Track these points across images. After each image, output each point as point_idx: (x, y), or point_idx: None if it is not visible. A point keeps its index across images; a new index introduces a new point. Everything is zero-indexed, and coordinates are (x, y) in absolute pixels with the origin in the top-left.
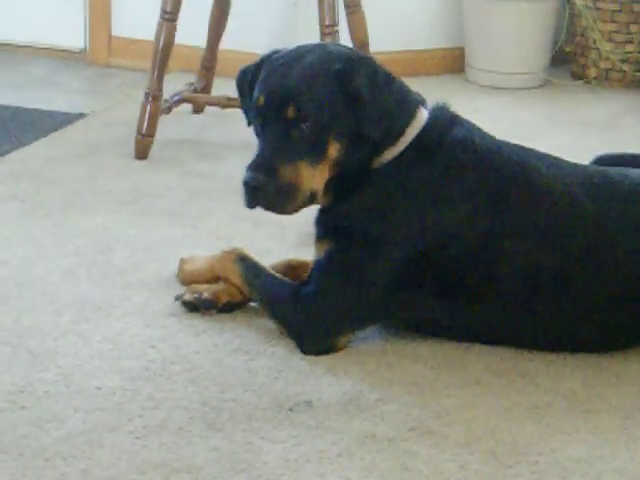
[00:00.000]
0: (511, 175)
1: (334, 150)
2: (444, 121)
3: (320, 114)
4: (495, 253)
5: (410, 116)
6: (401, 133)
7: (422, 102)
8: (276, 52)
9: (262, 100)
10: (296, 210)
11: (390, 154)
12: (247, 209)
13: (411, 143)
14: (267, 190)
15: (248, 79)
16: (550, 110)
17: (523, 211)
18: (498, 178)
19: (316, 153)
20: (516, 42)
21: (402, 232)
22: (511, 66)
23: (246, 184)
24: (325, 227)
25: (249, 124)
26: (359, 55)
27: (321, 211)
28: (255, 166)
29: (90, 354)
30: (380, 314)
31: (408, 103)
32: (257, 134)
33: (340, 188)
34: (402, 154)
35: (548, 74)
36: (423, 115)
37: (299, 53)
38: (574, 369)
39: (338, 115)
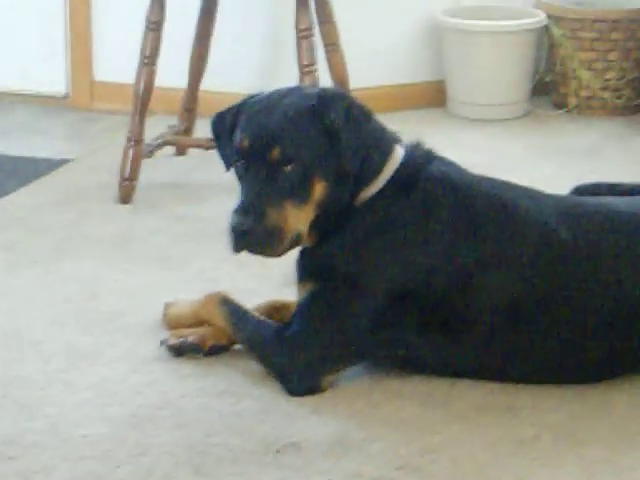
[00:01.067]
0: (487, 209)
1: (319, 190)
2: (420, 158)
3: (304, 155)
4: (474, 287)
5: (387, 153)
6: (379, 170)
7: (397, 140)
8: (252, 97)
9: (245, 143)
10: (282, 253)
11: (369, 191)
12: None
13: (389, 181)
14: (255, 234)
15: (226, 124)
16: (532, 140)
17: (500, 244)
18: (474, 212)
19: (301, 194)
20: (496, 73)
21: (383, 270)
22: (492, 97)
23: (234, 229)
24: (306, 269)
25: (227, 168)
26: (333, 91)
27: (302, 253)
28: (242, 210)
29: (76, 402)
30: (363, 353)
31: (384, 140)
32: (239, 177)
33: (323, 228)
34: (381, 192)
35: (529, 104)
36: (399, 152)
37: (276, 97)
38: (559, 402)
39: (320, 154)
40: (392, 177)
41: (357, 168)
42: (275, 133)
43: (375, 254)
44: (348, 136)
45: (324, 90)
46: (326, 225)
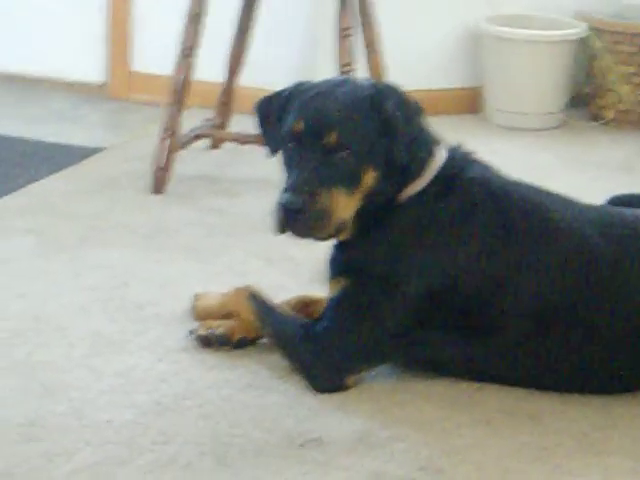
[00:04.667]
0: (524, 213)
1: (369, 179)
2: (461, 160)
3: (359, 142)
4: (506, 291)
5: (431, 152)
6: (423, 169)
7: (439, 140)
8: (302, 84)
9: (300, 126)
10: (326, 238)
11: (412, 189)
12: (262, 245)
13: (431, 180)
14: (304, 214)
15: (275, 108)
16: (567, 151)
17: (533, 249)
18: (512, 216)
19: (352, 182)
20: (534, 83)
21: (419, 271)
22: (528, 107)
23: (283, 206)
24: (340, 265)
25: (272, 153)
26: (387, 84)
27: (336, 248)
28: (293, 189)
29: (102, 388)
30: (392, 353)
31: (429, 139)
32: (287, 160)
33: (363, 221)
34: (423, 191)
35: (565, 115)
36: (441, 153)
37: (331, 85)
38: (584, 411)
39: (374, 143)
40: (434, 177)
41: (407, 160)
42: (333, 118)
43: (413, 254)
44: (402, 127)
45: (378, 82)
46: (367, 219)
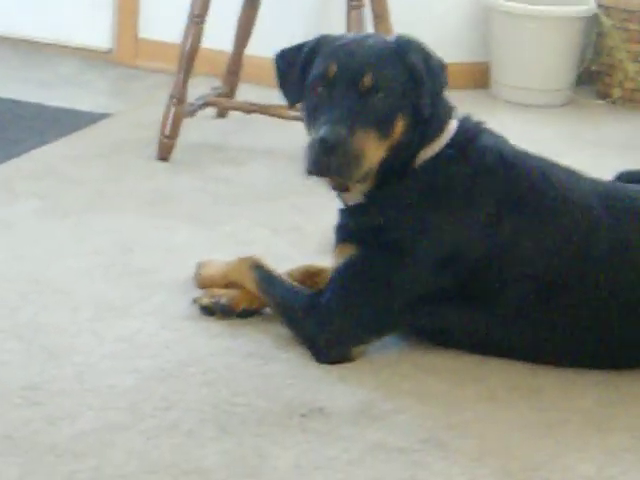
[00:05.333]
0: (531, 182)
1: (400, 126)
2: (474, 128)
3: (393, 87)
4: (510, 257)
5: (449, 114)
6: (442, 129)
7: (453, 107)
8: (325, 36)
9: (334, 69)
10: (357, 180)
11: (427, 153)
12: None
13: (446, 145)
14: (343, 148)
15: (299, 58)
16: (573, 129)
17: (540, 217)
18: (522, 184)
19: (385, 126)
20: (542, 59)
21: (431, 238)
22: (536, 83)
23: (324, 139)
24: (349, 229)
25: (293, 102)
26: (410, 38)
27: (345, 212)
28: (333, 122)
29: (104, 353)
30: (398, 324)
31: (446, 103)
32: (317, 104)
33: (382, 178)
34: (437, 155)
35: (573, 92)
36: (455, 120)
37: (356, 37)
38: (588, 387)
39: (404, 90)
40: (449, 142)
41: (429, 114)
42: (368, 61)
43: (426, 219)
44: (427, 79)
45: (404, 36)
46: (386, 175)
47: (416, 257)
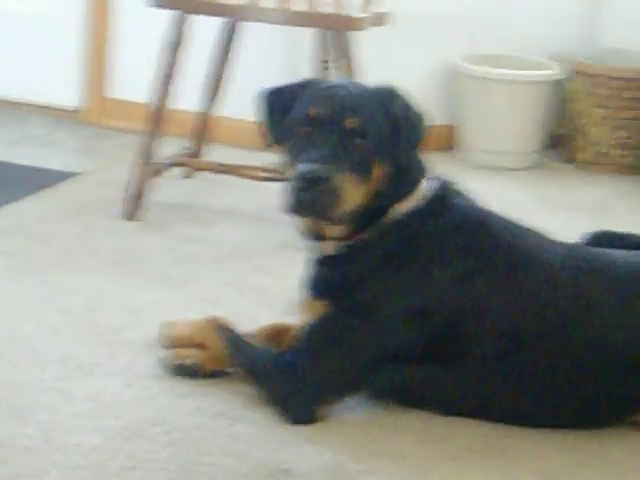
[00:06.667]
0: (502, 242)
1: (379, 172)
2: (446, 186)
3: (375, 132)
4: (482, 315)
5: (422, 174)
6: (413, 188)
7: (427, 167)
8: (311, 80)
9: (317, 110)
10: (336, 220)
11: (403, 207)
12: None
13: (419, 202)
14: (325, 185)
15: (285, 97)
16: (540, 192)
17: (510, 276)
18: (491, 244)
19: (365, 170)
20: (509, 122)
21: (400, 293)
22: (503, 146)
23: (304, 175)
24: (319, 283)
25: (271, 143)
26: (392, 87)
27: (317, 265)
28: (313, 160)
29: (71, 411)
30: (367, 384)
31: (422, 161)
32: (299, 143)
33: (356, 227)
34: (412, 211)
35: (540, 156)
36: (428, 178)
37: (341, 82)
38: (556, 449)
39: (385, 137)
40: (422, 200)
41: (406, 165)
42: (351, 104)
43: (397, 277)
44: (407, 128)
45: (384, 84)
46: (361, 224)
47: (387, 316)
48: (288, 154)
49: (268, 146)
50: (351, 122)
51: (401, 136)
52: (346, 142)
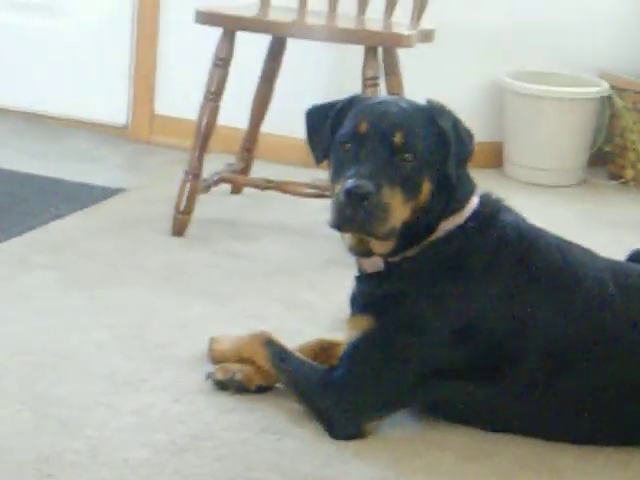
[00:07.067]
0: (550, 259)
1: (426, 189)
2: (494, 203)
3: (422, 148)
4: (528, 332)
5: (470, 191)
6: (462, 204)
7: (476, 184)
8: (357, 96)
9: (365, 126)
10: (385, 235)
11: (451, 223)
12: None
13: (468, 219)
14: (369, 202)
15: (331, 115)
16: (586, 209)
17: (557, 293)
18: (538, 261)
19: (411, 187)
20: (555, 139)
21: (448, 309)
22: (549, 163)
23: (351, 191)
24: (365, 299)
25: (319, 160)
26: (441, 103)
27: (362, 281)
28: (360, 176)
29: (118, 426)
30: (412, 399)
31: (470, 177)
32: (345, 159)
33: (404, 242)
34: (460, 228)
35: (586, 173)
36: (476, 195)
37: (388, 98)
38: (603, 465)
39: (433, 153)
40: (470, 216)
41: (455, 181)
42: (399, 121)
43: (444, 292)
44: (456, 144)
45: (433, 100)
46: (408, 240)
47: (432, 331)
48: (336, 170)
49: (317, 163)
50: (399, 138)
51: (449, 152)
52: (394, 158)
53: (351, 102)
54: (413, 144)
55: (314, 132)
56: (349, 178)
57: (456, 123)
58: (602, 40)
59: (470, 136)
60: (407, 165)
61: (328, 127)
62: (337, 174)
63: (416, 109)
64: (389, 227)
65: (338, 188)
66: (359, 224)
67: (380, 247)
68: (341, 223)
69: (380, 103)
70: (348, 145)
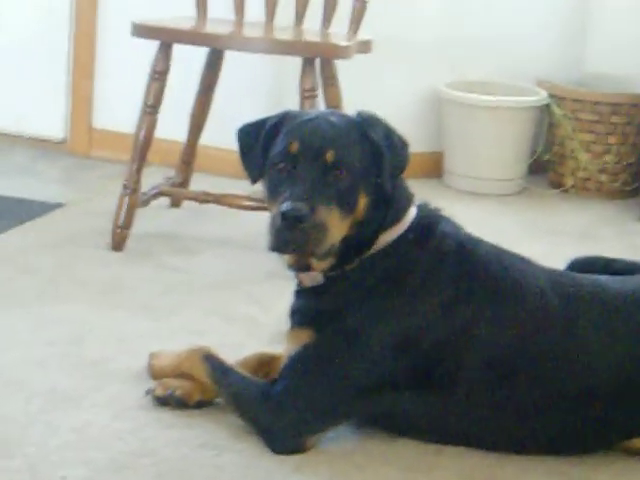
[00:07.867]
0: (489, 269)
1: (362, 203)
2: (432, 214)
3: (355, 163)
4: (468, 343)
5: (408, 202)
6: (400, 217)
7: (413, 195)
8: (288, 112)
9: (296, 146)
10: (320, 256)
11: (389, 236)
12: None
13: (406, 231)
14: (307, 222)
15: (262, 134)
16: (527, 218)
17: (498, 303)
18: (478, 271)
19: (347, 203)
20: (494, 149)
21: (389, 321)
22: (489, 172)
23: (286, 215)
24: (304, 313)
25: (255, 178)
26: (372, 114)
27: (302, 295)
28: (295, 198)
29: (57, 444)
30: (353, 412)
31: (406, 189)
32: (279, 180)
33: (342, 257)
34: (399, 239)
35: (526, 182)
36: (414, 206)
37: (319, 113)
38: (545, 475)
39: (366, 167)
40: (408, 228)
41: (390, 193)
42: (330, 138)
43: (384, 305)
44: (388, 155)
45: (364, 112)
46: (347, 255)
47: (373, 344)
48: (271, 191)
49: (252, 183)
50: (330, 156)
51: (383, 164)
52: (327, 176)
53: (282, 119)
54: (345, 160)
55: (247, 152)
56: (284, 200)
57: (389, 133)
58: (539, 49)
59: (404, 145)
60: (341, 181)
61: (260, 146)
62: (272, 195)
63: (347, 123)
64: (327, 246)
65: (274, 210)
66: (297, 246)
67: (319, 264)
68: (280, 246)
69: (310, 120)
70: (281, 165)
